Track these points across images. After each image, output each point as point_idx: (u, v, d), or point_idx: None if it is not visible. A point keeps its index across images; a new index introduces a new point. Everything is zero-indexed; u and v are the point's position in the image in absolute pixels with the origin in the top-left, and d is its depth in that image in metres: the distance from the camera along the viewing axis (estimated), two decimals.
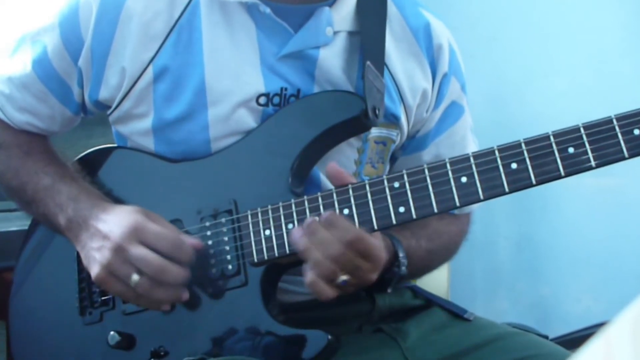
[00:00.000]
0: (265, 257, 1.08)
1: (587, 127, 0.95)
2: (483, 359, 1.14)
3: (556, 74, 2.43)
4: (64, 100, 1.24)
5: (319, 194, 1.06)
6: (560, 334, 2.07)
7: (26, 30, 1.24)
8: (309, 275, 1.01)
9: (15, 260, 1.31)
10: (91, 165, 1.26)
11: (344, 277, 1.00)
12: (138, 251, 1.05)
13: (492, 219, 2.45)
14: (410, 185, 1.02)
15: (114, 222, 1.09)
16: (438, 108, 1.27)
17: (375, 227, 1.03)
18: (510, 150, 0.98)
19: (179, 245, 1.06)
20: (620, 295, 2.14)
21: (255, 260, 1.09)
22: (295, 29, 1.16)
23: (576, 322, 2.17)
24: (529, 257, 2.50)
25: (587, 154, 0.95)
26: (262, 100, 1.15)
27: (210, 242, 1.12)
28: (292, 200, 1.08)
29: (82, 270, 1.19)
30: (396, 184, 1.03)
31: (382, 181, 1.03)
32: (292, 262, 1.10)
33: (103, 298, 1.18)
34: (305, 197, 1.07)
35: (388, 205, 1.03)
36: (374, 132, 1.20)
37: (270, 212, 1.08)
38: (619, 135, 0.94)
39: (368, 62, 1.13)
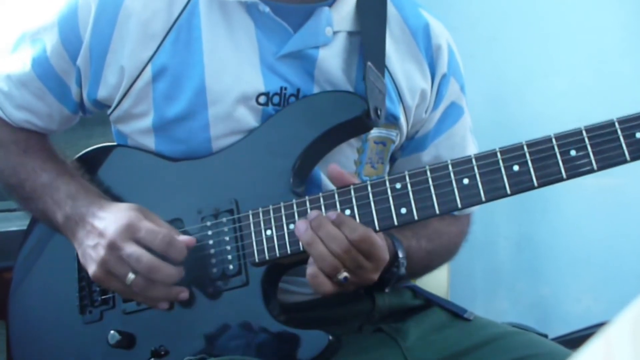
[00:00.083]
0: (267, 257, 1.08)
1: (589, 129, 0.95)
2: (483, 359, 1.14)
3: (556, 74, 2.43)
4: (62, 99, 1.24)
5: (320, 194, 1.06)
6: (560, 334, 2.08)
7: (26, 29, 1.24)
8: (311, 267, 1.01)
9: (14, 259, 1.32)
10: (91, 163, 1.26)
11: (345, 274, 1.01)
12: (131, 249, 1.05)
13: (492, 219, 2.45)
14: (412, 187, 1.02)
15: (110, 219, 1.09)
16: (437, 109, 1.27)
17: (377, 228, 1.03)
18: (512, 152, 0.98)
19: (171, 243, 1.07)
20: (620, 295, 2.13)
21: (257, 260, 1.09)
22: (295, 28, 1.16)
23: (576, 322, 2.17)
24: (529, 257, 2.50)
25: (588, 156, 0.95)
26: (262, 99, 1.15)
27: (211, 242, 1.12)
28: (294, 201, 1.08)
29: (82, 269, 1.19)
30: (398, 185, 1.03)
31: (384, 182, 1.04)
32: (293, 262, 1.10)
33: (103, 297, 1.18)
34: (306, 197, 1.07)
35: (390, 206, 1.03)
36: (374, 132, 1.20)
37: (271, 212, 1.09)
38: (621, 138, 0.94)
39: (369, 63, 1.13)
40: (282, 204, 1.08)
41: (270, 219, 1.08)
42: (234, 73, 1.15)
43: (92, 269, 1.09)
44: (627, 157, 0.94)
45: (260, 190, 1.11)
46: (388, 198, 1.03)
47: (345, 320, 1.21)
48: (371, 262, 1.03)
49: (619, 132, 0.94)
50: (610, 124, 0.95)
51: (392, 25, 1.23)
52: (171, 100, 1.16)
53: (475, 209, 1.35)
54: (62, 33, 1.19)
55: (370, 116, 1.11)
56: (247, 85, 1.15)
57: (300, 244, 1.04)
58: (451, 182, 1.00)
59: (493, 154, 0.99)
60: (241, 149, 1.15)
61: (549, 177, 0.97)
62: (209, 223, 1.13)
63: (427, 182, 1.02)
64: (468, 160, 1.00)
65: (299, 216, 1.06)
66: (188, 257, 1.09)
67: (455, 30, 1.33)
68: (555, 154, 0.96)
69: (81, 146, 1.31)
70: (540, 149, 0.97)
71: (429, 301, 1.27)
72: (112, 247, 1.07)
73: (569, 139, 0.96)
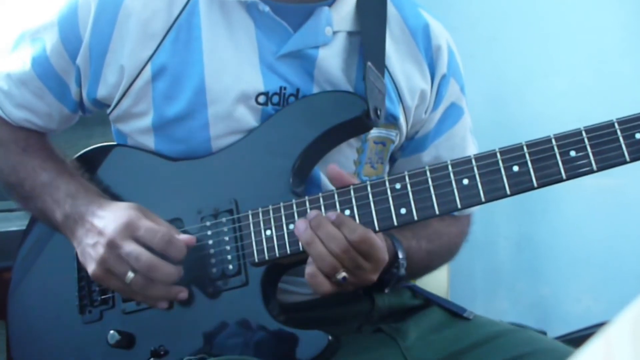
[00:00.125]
0: (266, 257, 1.08)
1: (589, 130, 0.95)
2: (482, 358, 1.15)
3: (556, 74, 2.43)
4: (61, 98, 1.24)
5: (320, 194, 1.06)
6: (560, 334, 2.07)
7: (26, 28, 1.24)
8: (310, 267, 1.02)
9: (15, 259, 1.32)
10: (90, 163, 1.26)
11: (343, 274, 1.01)
12: (130, 247, 1.05)
13: (492, 219, 2.45)
14: (411, 187, 1.02)
15: (109, 218, 1.09)
16: (437, 109, 1.27)
17: (377, 229, 1.03)
18: (512, 153, 0.98)
19: (171, 241, 1.07)
20: (620, 295, 2.13)
21: (256, 260, 1.09)
22: (295, 28, 1.16)
23: (576, 322, 2.16)
24: (529, 257, 2.50)
25: (588, 157, 0.95)
26: (262, 99, 1.15)
27: (210, 242, 1.12)
28: (293, 201, 1.08)
29: (81, 269, 1.19)
30: (398, 186, 1.03)
31: (384, 182, 1.04)
32: (292, 263, 1.10)
33: (103, 297, 1.18)
34: (306, 197, 1.07)
35: (389, 207, 1.03)
36: (374, 132, 1.20)
37: (271, 212, 1.09)
38: (621, 139, 0.94)
39: (369, 63, 1.13)
40: (281, 204, 1.08)
41: (269, 219, 1.08)
42: (234, 72, 1.15)
43: (91, 267, 1.10)
44: (627, 157, 0.94)
45: (259, 190, 1.11)
46: (388, 198, 1.03)
47: (344, 320, 1.21)
48: (370, 263, 1.03)
49: (619, 132, 0.94)
50: (610, 124, 0.95)
51: (392, 25, 1.23)
52: (171, 100, 1.16)
53: (475, 210, 1.35)
54: (62, 32, 1.19)
55: (370, 116, 1.11)
56: (247, 85, 1.15)
57: (300, 244, 1.04)
58: (451, 182, 1.00)
59: (493, 154, 0.99)
60: (241, 149, 1.15)
61: (549, 178, 0.97)
62: (208, 223, 1.13)
63: (427, 182, 1.02)
64: (468, 160, 1.00)
65: (298, 216, 1.06)
66: (188, 257, 1.09)
67: (455, 30, 1.33)
68: (554, 155, 0.96)
69: (81, 146, 1.31)
70: (540, 149, 0.97)
71: (429, 301, 1.27)
72: (112, 246, 1.07)
73: (569, 139, 0.96)
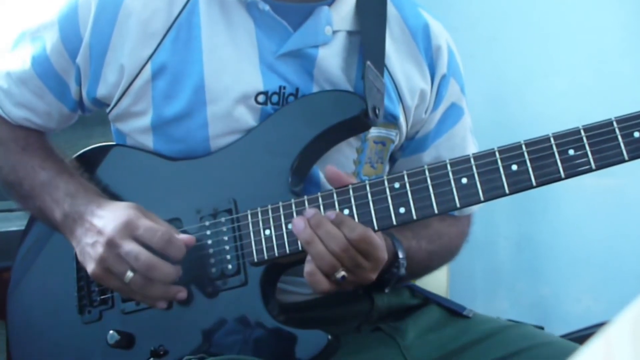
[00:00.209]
0: (265, 257, 1.08)
1: (588, 129, 0.95)
2: (481, 355, 1.15)
3: (556, 74, 2.43)
4: (61, 97, 1.24)
5: (319, 194, 1.06)
6: (560, 334, 2.07)
7: (26, 27, 1.25)
8: (309, 265, 1.01)
9: (14, 259, 1.31)
10: (89, 162, 1.26)
11: (342, 273, 1.01)
12: (129, 246, 1.05)
13: (492, 219, 2.45)
14: (410, 186, 1.02)
15: (109, 217, 1.09)
16: (437, 109, 1.27)
17: (376, 228, 1.03)
18: (511, 152, 0.98)
19: (170, 241, 1.07)
20: (620, 295, 2.13)
21: (255, 260, 1.09)
22: (295, 27, 1.16)
23: (576, 322, 2.16)
24: (529, 257, 2.50)
25: (587, 156, 0.95)
26: (261, 98, 1.15)
27: (209, 242, 1.12)
28: (292, 200, 1.08)
29: (80, 269, 1.19)
30: (397, 185, 1.03)
31: (383, 182, 1.04)
32: (291, 262, 1.10)
33: (102, 297, 1.18)
34: (305, 197, 1.07)
35: (388, 206, 1.03)
36: (373, 131, 1.20)
37: (270, 211, 1.09)
38: (619, 137, 0.94)
39: (368, 62, 1.13)
40: (280, 204, 1.08)
41: (268, 218, 1.08)
42: (233, 72, 1.15)
43: (90, 266, 1.10)
44: (625, 156, 0.94)
45: (258, 190, 1.11)
46: (387, 198, 1.03)
47: (344, 320, 1.21)
48: (370, 262, 1.03)
49: (617, 131, 0.94)
50: (609, 123, 0.95)
51: (392, 25, 1.23)
52: (170, 99, 1.16)
53: (475, 210, 1.35)
54: (62, 31, 1.19)
55: (369, 115, 1.11)
56: (246, 84, 1.15)
57: (299, 243, 1.04)
58: (450, 181, 1.00)
59: (491, 153, 0.99)
60: (240, 148, 1.15)
61: (548, 177, 0.97)
62: (207, 223, 1.13)
63: (426, 181, 1.02)
64: (466, 159, 1.00)
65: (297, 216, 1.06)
66: (187, 256, 1.09)
67: (455, 30, 1.33)
68: (553, 154, 0.96)
69: (81, 146, 1.31)
70: (539, 148, 0.97)
71: (428, 300, 1.27)
72: (111, 245, 1.06)
73: (567, 138, 0.96)
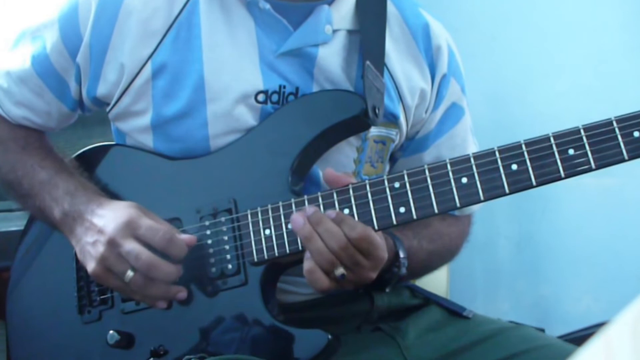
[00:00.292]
0: (266, 257, 1.08)
1: (587, 128, 0.95)
2: (481, 356, 1.15)
3: (556, 74, 2.42)
4: (60, 96, 1.24)
5: (319, 193, 1.06)
6: (560, 334, 2.07)
7: (26, 26, 1.25)
8: (308, 263, 1.01)
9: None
10: (89, 162, 1.26)
11: (342, 270, 1.01)
12: (130, 245, 1.05)
13: (492, 219, 2.44)
14: (410, 186, 1.02)
15: (109, 216, 1.09)
16: (438, 109, 1.27)
17: (376, 227, 1.03)
18: (511, 152, 0.98)
19: (172, 240, 1.07)
20: (620, 295, 2.13)
21: (255, 259, 1.09)
22: (295, 26, 1.16)
23: (576, 322, 2.16)
24: (529, 257, 2.49)
25: (587, 155, 0.95)
26: (261, 97, 1.15)
27: (209, 242, 1.12)
28: (292, 200, 1.08)
29: (80, 269, 1.19)
30: (397, 184, 1.03)
31: (383, 181, 1.04)
32: (291, 262, 1.10)
33: (102, 297, 1.18)
34: (305, 196, 1.07)
35: (389, 206, 1.03)
36: (374, 131, 1.20)
37: (270, 211, 1.08)
38: (619, 137, 0.94)
39: (368, 62, 1.13)
40: (280, 204, 1.08)
41: (268, 218, 1.08)
42: (233, 71, 1.15)
43: (91, 266, 1.09)
44: (625, 155, 0.94)
45: (258, 190, 1.11)
46: (387, 197, 1.03)
47: (344, 320, 1.21)
48: (369, 261, 1.02)
49: (617, 130, 0.94)
50: (608, 122, 0.95)
51: (392, 24, 1.23)
52: (170, 98, 1.16)
53: (475, 209, 1.35)
54: (63, 31, 1.19)
55: (369, 115, 1.11)
56: (246, 83, 1.15)
57: (299, 242, 1.04)
58: (450, 181, 1.00)
59: (491, 153, 0.99)
60: (239, 148, 1.15)
61: (548, 176, 0.97)
62: (207, 222, 1.13)
63: (426, 181, 1.02)
64: (466, 159, 1.00)
65: None
66: (187, 256, 1.09)
67: (455, 30, 1.33)
68: (553, 153, 0.96)
69: (81, 146, 1.31)
70: (539, 147, 0.97)
71: (428, 300, 1.27)
72: (112, 244, 1.06)
73: (567, 137, 0.96)
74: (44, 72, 1.22)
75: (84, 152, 1.28)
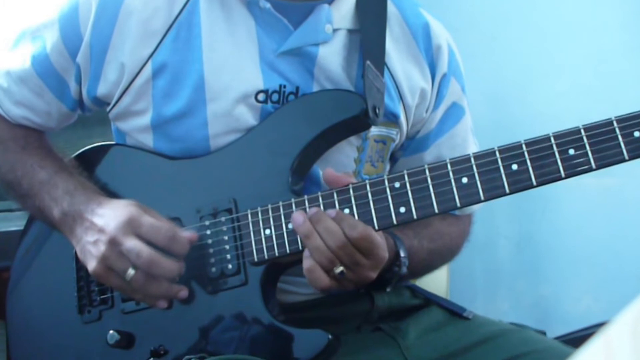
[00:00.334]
0: (266, 257, 1.08)
1: (588, 128, 0.95)
2: (481, 357, 1.15)
3: (556, 74, 2.42)
4: (60, 96, 1.24)
5: (319, 193, 1.06)
6: (560, 334, 2.07)
7: (27, 26, 1.25)
8: (308, 261, 1.02)
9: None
10: (89, 162, 1.26)
11: (341, 269, 1.01)
12: (131, 243, 1.05)
13: (492, 219, 2.44)
14: (411, 186, 1.02)
15: (110, 215, 1.09)
16: (438, 108, 1.27)
17: (376, 227, 1.03)
18: (511, 151, 0.98)
19: (174, 237, 1.06)
20: (620, 295, 2.13)
21: (256, 259, 1.09)
22: (295, 25, 1.16)
23: (576, 322, 2.16)
24: (529, 257, 2.49)
25: (587, 155, 0.95)
26: (261, 97, 1.15)
27: (210, 242, 1.12)
28: (293, 200, 1.08)
29: (80, 269, 1.19)
30: (397, 184, 1.03)
31: (383, 181, 1.04)
32: (292, 262, 1.10)
33: (102, 297, 1.18)
34: (305, 196, 1.07)
35: (389, 205, 1.03)
36: (374, 130, 1.20)
37: (270, 211, 1.08)
38: (619, 137, 0.94)
39: (368, 62, 1.13)
40: (280, 204, 1.08)
41: (269, 218, 1.08)
42: (234, 70, 1.15)
43: (92, 265, 1.09)
44: (626, 155, 0.94)
45: (258, 189, 1.11)
46: (387, 197, 1.03)
47: (344, 319, 1.21)
48: (369, 260, 1.02)
49: (617, 130, 0.94)
50: (609, 122, 0.95)
51: (392, 24, 1.23)
52: (170, 98, 1.16)
53: (476, 209, 1.35)
54: (63, 30, 1.19)
55: (369, 115, 1.11)
56: (247, 83, 1.15)
57: (299, 242, 1.04)
58: (450, 181, 1.00)
59: (492, 152, 0.99)
60: (240, 148, 1.15)
61: (548, 176, 0.97)
62: (207, 222, 1.13)
63: (426, 181, 1.02)
64: (467, 159, 1.00)
65: None
66: (187, 256, 1.09)
67: (455, 30, 1.33)
68: (553, 153, 0.96)
69: (81, 146, 1.31)
70: (539, 147, 0.97)
71: (428, 300, 1.27)
72: (113, 243, 1.06)
73: (568, 137, 0.96)
74: (44, 72, 1.22)
75: (83, 151, 1.28)
